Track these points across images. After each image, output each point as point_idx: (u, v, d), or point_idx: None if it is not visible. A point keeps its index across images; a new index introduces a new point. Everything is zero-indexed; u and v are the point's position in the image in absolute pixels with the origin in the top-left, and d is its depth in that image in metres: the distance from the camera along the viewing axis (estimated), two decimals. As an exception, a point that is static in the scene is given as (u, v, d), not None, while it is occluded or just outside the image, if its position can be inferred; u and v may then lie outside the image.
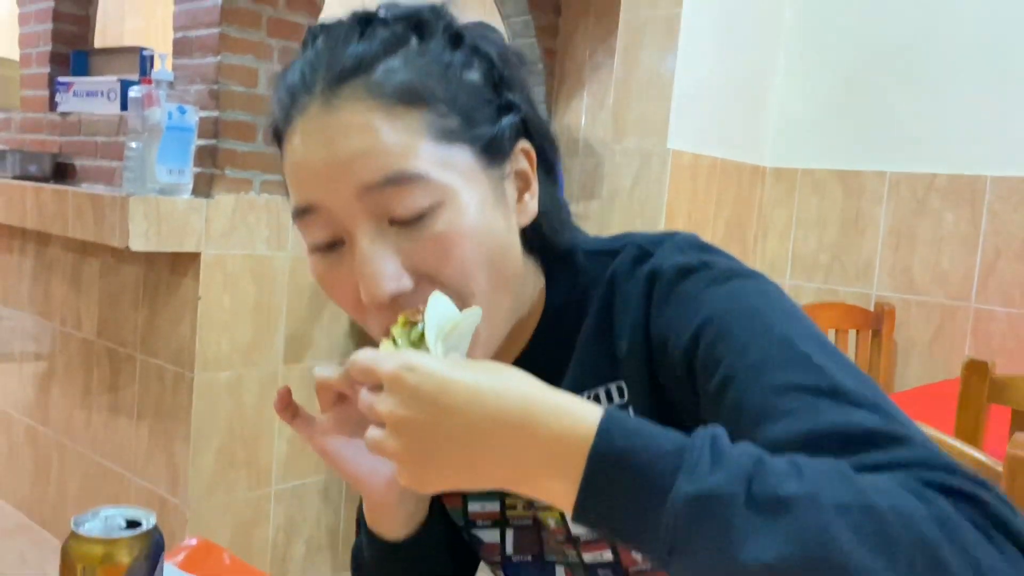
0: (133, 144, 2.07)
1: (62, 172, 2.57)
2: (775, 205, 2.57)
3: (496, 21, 3.07)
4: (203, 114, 2.12)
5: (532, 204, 0.66)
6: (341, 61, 0.58)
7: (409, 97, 0.58)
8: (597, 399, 0.66)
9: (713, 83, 2.34)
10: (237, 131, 2.16)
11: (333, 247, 0.60)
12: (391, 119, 0.57)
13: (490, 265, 0.60)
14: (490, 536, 0.75)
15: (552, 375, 0.68)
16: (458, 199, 0.58)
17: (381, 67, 0.58)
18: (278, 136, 0.63)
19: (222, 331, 2.17)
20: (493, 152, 0.62)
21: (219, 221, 2.13)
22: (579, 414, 0.46)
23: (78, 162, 2.55)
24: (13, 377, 2.82)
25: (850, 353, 2.28)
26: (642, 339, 0.63)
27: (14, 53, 2.90)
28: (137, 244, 1.97)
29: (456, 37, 0.63)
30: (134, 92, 2.09)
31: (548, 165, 0.69)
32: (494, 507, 0.74)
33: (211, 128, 2.13)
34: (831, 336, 2.24)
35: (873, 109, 2.42)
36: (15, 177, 2.50)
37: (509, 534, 0.74)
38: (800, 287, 2.52)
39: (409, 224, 0.57)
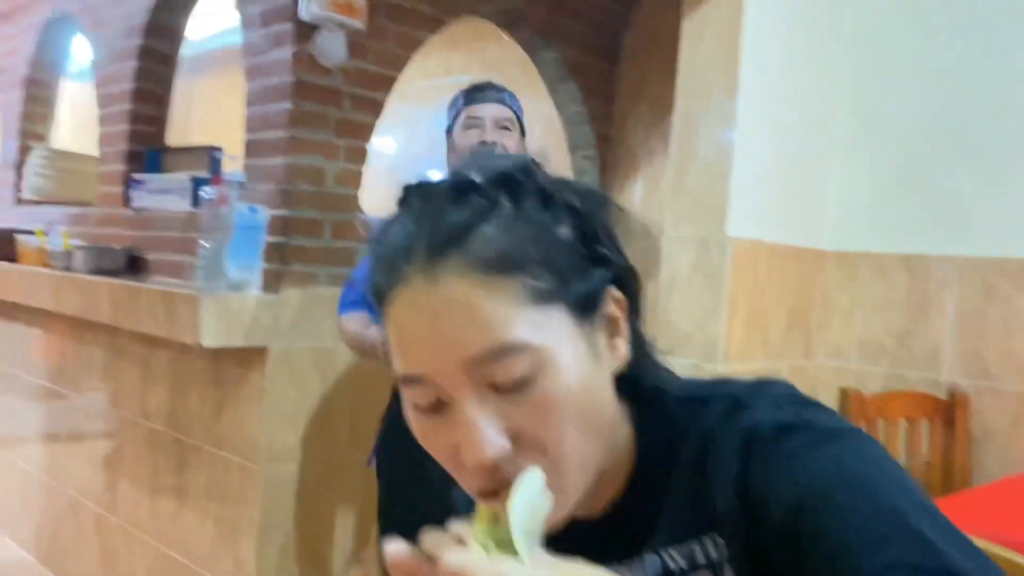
0: (205, 243, 2.14)
1: (135, 266, 2.67)
2: (838, 289, 2.54)
3: (550, 109, 3.14)
4: (273, 213, 2.19)
5: (623, 348, 0.67)
6: (439, 232, 0.60)
7: (505, 265, 0.59)
8: (692, 553, 0.66)
9: (771, 168, 2.34)
10: (305, 228, 2.22)
11: (436, 408, 0.61)
12: (490, 291, 0.58)
13: (586, 422, 0.61)
14: None
15: (644, 525, 0.68)
16: (557, 361, 0.59)
17: (477, 236, 0.59)
18: (379, 295, 0.64)
19: (288, 424, 2.20)
20: (586, 306, 0.63)
21: (286, 316, 2.18)
22: None
23: (150, 256, 2.64)
24: (84, 464, 2.88)
25: (923, 445, 2.21)
26: (740, 497, 0.62)
27: (94, 150, 3.04)
28: (208, 340, 2.02)
29: (546, 194, 0.64)
30: (207, 192, 2.17)
31: (635, 307, 0.70)
32: None
33: (280, 225, 2.19)
34: (902, 427, 2.18)
35: (936, 191, 2.39)
36: (89, 271, 2.60)
37: None
38: (866, 372, 2.46)
39: (511, 390, 0.59)
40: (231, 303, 2.07)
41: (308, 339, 2.22)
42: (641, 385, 0.70)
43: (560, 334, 0.60)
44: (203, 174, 2.57)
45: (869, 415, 2.10)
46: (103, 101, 2.95)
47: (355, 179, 2.35)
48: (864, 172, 2.52)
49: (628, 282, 0.69)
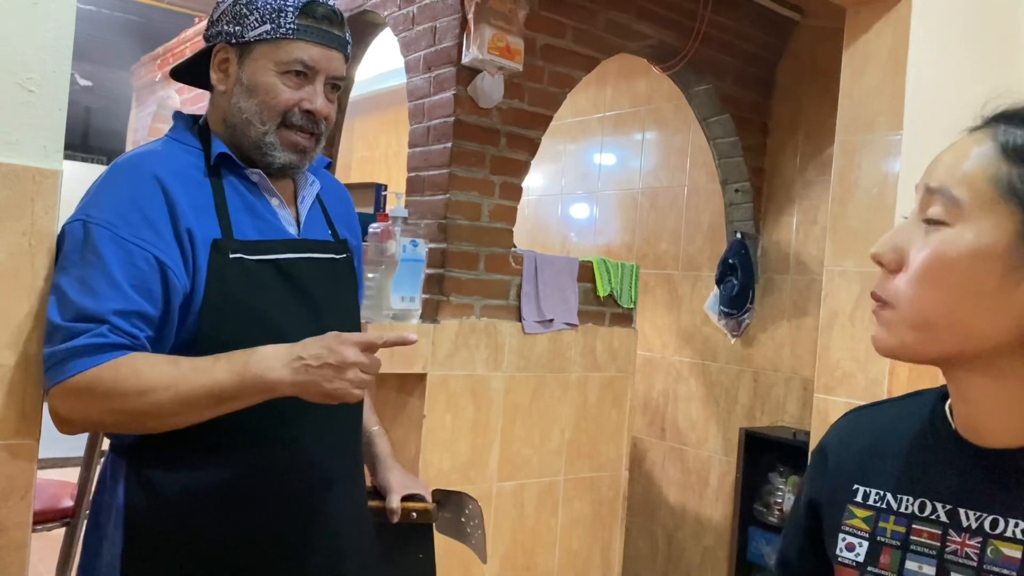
0: (371, 274, 2.27)
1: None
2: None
3: (702, 142, 3.13)
4: (431, 245, 2.29)
5: None
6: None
7: (1017, 155, 0.65)
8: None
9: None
10: (462, 261, 2.32)
11: None
12: (982, 158, 0.66)
13: (944, 300, 0.65)
14: None
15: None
16: (959, 231, 0.64)
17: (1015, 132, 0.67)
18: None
19: (444, 449, 2.28)
20: None
21: (444, 344, 2.27)
22: None
23: (318, 286, 2.81)
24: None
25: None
26: None
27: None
28: (372, 367, 2.13)
29: None
30: (374, 227, 2.30)
31: None
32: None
33: (439, 258, 2.29)
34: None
35: None
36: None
37: None
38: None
39: (927, 223, 0.68)
40: (394, 331, 2.18)
41: (463, 367, 2.31)
42: None
43: (991, 224, 0.64)
44: (367, 209, 2.72)
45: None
46: (278, 142, 3.19)
47: (509, 214, 2.43)
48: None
49: None
